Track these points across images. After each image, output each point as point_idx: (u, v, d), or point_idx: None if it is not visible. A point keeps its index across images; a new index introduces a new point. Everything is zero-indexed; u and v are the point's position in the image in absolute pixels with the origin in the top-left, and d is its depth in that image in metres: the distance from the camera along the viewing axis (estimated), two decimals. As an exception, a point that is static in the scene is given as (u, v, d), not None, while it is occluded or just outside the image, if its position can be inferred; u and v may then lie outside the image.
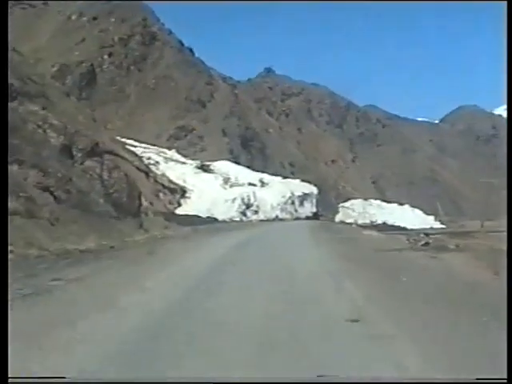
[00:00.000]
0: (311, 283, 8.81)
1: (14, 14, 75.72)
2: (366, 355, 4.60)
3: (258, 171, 68.33)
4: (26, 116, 18.14)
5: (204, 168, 59.87)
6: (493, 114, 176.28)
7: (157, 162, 53.75)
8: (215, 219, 41.46)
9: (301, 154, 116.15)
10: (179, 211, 41.30)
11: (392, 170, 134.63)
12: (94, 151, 20.58)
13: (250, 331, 5.39)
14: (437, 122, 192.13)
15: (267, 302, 6.93)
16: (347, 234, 28.04)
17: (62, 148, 18.64)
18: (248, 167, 69.99)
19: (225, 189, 54.05)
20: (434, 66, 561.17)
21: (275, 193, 57.70)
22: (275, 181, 63.69)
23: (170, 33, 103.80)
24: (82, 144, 19.98)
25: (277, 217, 53.74)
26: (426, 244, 17.89)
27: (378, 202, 72.63)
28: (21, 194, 13.58)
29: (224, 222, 41.96)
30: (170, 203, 43.71)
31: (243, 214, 50.06)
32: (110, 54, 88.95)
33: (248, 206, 51.55)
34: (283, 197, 58.15)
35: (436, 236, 24.90)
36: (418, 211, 67.90)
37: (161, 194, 43.31)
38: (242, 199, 51.16)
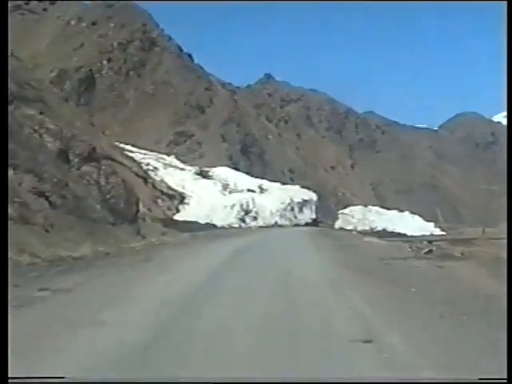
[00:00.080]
0: (313, 295, 8.36)
1: (13, 20, 75.60)
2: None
3: (257, 177, 67.99)
4: (22, 120, 17.86)
5: (203, 174, 59.57)
6: (492, 121, 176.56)
7: (155, 168, 53.46)
8: (214, 225, 41.19)
9: (300, 161, 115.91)
10: (178, 217, 40.96)
11: (391, 177, 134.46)
12: (92, 156, 20.30)
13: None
14: (436, 128, 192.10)
15: (266, 320, 6.29)
16: (347, 240, 27.72)
17: (58, 153, 18.34)
18: (247, 173, 69.67)
19: (224, 195, 53.75)
20: (433, 68, 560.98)
21: (274, 199, 57.37)
22: (274, 187, 63.34)
23: (170, 38, 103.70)
24: (78, 149, 19.68)
25: (276, 223, 53.40)
26: (430, 252, 17.57)
27: (378, 208, 72.33)
28: (15, 200, 13.27)
29: (223, 228, 41.70)
30: (169, 209, 43.37)
31: (242, 220, 49.75)
32: (109, 60, 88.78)
33: (247, 212, 51.24)
34: (282, 203, 57.81)
35: (438, 243, 24.60)
36: (417, 218, 67.62)
37: (159, 200, 42.99)
38: (241, 205, 50.86)
